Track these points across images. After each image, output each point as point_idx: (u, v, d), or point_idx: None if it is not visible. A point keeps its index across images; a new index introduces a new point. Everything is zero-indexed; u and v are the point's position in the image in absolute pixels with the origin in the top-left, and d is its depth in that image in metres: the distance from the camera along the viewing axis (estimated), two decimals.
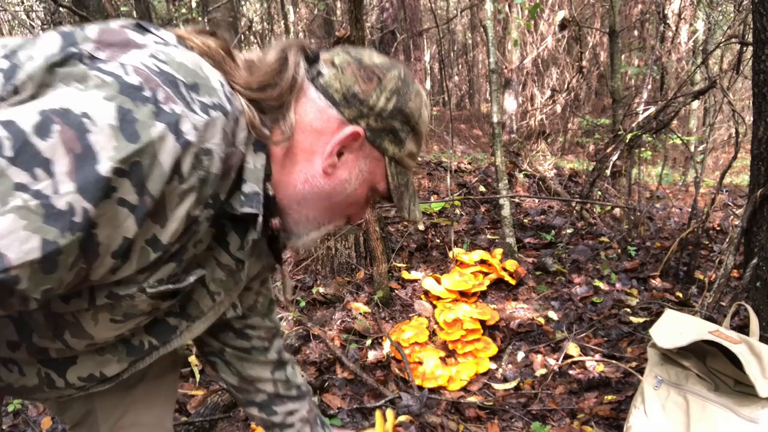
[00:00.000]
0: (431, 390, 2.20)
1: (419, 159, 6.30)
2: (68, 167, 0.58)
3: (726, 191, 5.48)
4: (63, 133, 0.58)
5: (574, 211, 4.11)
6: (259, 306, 1.14)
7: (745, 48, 3.00)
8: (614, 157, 3.95)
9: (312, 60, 0.85)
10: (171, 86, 0.66)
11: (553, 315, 2.80)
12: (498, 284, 3.05)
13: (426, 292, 2.88)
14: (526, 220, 4.18)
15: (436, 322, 2.63)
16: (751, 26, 2.06)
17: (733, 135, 2.92)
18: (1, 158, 0.56)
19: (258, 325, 1.16)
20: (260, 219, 0.79)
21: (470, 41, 14.55)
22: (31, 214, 0.56)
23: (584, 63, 7.10)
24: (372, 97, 0.83)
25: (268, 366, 1.21)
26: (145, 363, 0.94)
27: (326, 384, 2.20)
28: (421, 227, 3.63)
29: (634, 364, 2.26)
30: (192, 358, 2.26)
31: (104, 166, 0.59)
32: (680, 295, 2.83)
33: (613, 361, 2.33)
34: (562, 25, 5.37)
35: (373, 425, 1.96)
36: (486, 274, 3.02)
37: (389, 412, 0.77)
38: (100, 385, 0.94)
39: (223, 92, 0.72)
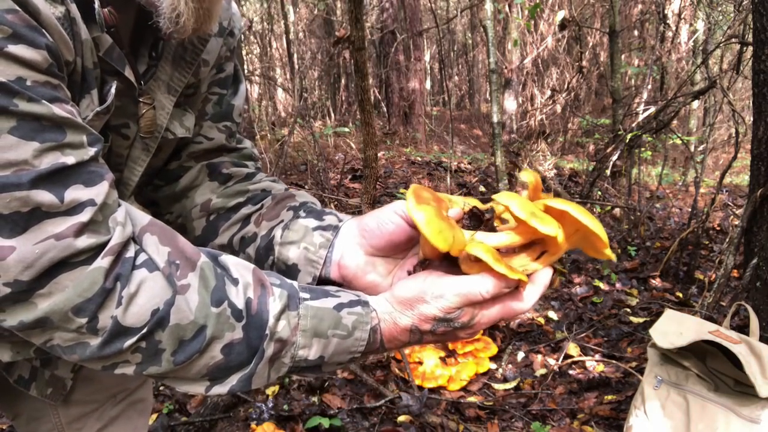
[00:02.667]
0: (431, 390, 2.20)
1: (419, 159, 6.26)
2: None
3: (726, 191, 5.47)
4: None
5: None
6: (210, 107, 0.94)
7: (745, 48, 3.00)
8: (614, 157, 3.95)
9: None
10: None
11: (553, 315, 2.80)
12: None
13: None
14: None
15: None
16: (751, 26, 2.06)
17: (733, 135, 2.92)
18: None
19: (212, 135, 0.95)
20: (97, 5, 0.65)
21: (470, 41, 14.55)
22: None
23: (584, 63, 7.10)
24: None
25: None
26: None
27: (326, 384, 2.20)
28: None
29: (634, 364, 2.26)
30: None
31: None
32: (680, 295, 2.83)
33: (613, 361, 2.33)
34: (562, 25, 5.37)
35: (373, 425, 1.96)
36: None
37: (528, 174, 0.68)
38: None
39: None
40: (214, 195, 0.94)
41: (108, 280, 0.59)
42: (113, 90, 0.70)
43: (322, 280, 0.84)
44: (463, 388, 2.27)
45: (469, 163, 5.80)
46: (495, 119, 3.41)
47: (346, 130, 7.46)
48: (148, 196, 0.99)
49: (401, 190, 4.52)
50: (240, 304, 0.64)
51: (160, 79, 0.81)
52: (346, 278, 0.83)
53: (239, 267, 0.68)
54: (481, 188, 4.77)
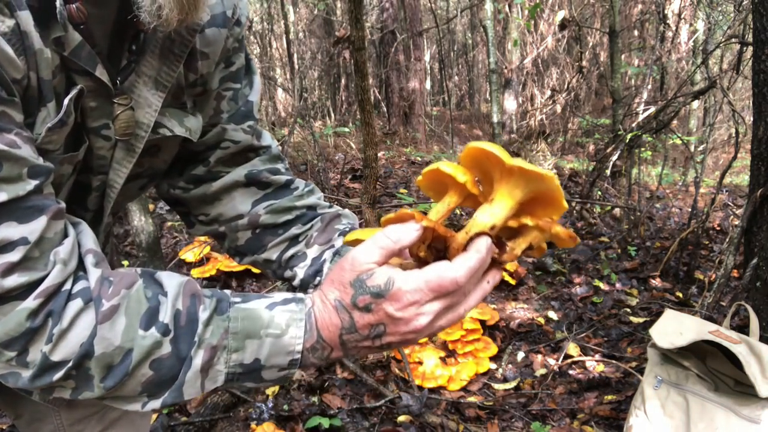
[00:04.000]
0: (431, 390, 2.20)
1: (419, 159, 6.27)
2: None
3: (726, 191, 5.47)
4: None
5: (574, 211, 4.11)
6: (225, 107, 0.91)
7: (745, 48, 3.00)
8: (614, 157, 3.95)
9: None
10: None
11: (553, 315, 2.80)
12: (498, 284, 3.05)
13: None
14: None
15: None
16: (751, 26, 2.06)
17: (733, 135, 2.92)
18: None
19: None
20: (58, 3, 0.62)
21: (470, 41, 14.55)
22: None
23: (584, 63, 7.10)
24: None
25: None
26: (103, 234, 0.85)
27: (326, 384, 2.20)
28: None
29: (634, 364, 2.26)
30: None
31: None
32: (680, 295, 2.83)
33: (613, 361, 2.33)
34: (562, 25, 5.37)
35: (373, 425, 1.96)
36: None
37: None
38: None
39: None
40: (261, 208, 0.93)
41: (37, 319, 0.58)
42: (68, 99, 0.67)
43: None
44: (463, 388, 2.27)
45: None
46: (495, 119, 3.41)
47: (346, 130, 7.46)
48: (173, 195, 0.96)
49: (401, 190, 4.53)
50: (167, 318, 0.63)
51: (145, 75, 0.76)
52: None
53: (172, 279, 0.67)
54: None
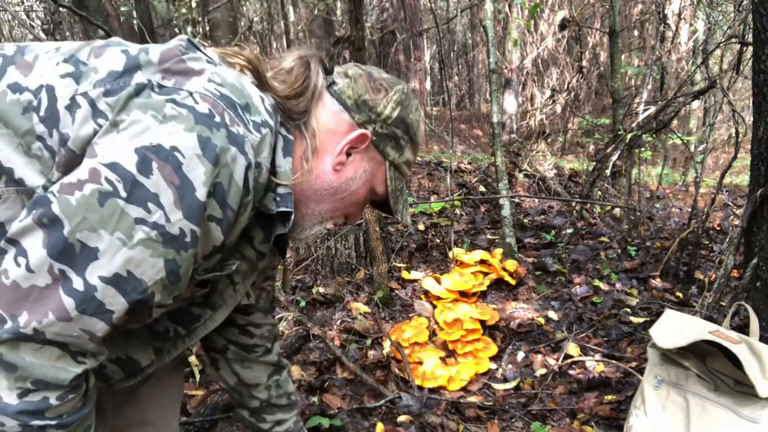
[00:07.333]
0: (431, 390, 2.20)
1: (419, 159, 6.30)
2: (173, 198, 0.71)
3: (726, 191, 5.47)
4: (161, 168, 0.71)
5: (574, 211, 4.11)
6: (262, 302, 1.19)
7: (745, 48, 3.00)
8: (614, 157, 3.95)
9: (328, 71, 0.96)
10: (232, 109, 0.77)
11: (553, 315, 2.80)
12: (498, 284, 3.05)
13: (426, 292, 2.87)
14: (526, 220, 4.18)
15: (436, 322, 2.63)
16: (751, 26, 2.06)
17: (733, 135, 2.92)
18: (119, 199, 0.69)
19: (260, 322, 1.21)
20: (293, 217, 0.89)
21: (470, 41, 14.54)
22: (153, 243, 0.71)
23: (584, 63, 7.10)
24: (380, 106, 0.94)
25: (268, 369, 1.25)
26: (170, 354, 0.99)
27: (326, 384, 2.20)
28: (421, 227, 3.63)
29: (634, 364, 2.26)
30: (192, 359, 2.26)
31: (200, 192, 0.72)
32: (680, 295, 2.83)
33: (613, 361, 2.33)
34: (562, 25, 5.37)
35: (373, 425, 1.96)
36: (486, 274, 3.02)
37: None
38: (125, 381, 0.97)
39: (265, 108, 0.83)
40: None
41: None
42: None
43: None
44: (463, 388, 2.27)
45: (469, 163, 5.79)
46: (495, 119, 3.41)
47: None
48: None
49: None
50: None
51: None
52: None
53: None
54: (481, 188, 4.77)
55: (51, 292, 0.68)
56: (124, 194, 0.69)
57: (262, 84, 0.87)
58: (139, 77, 0.77)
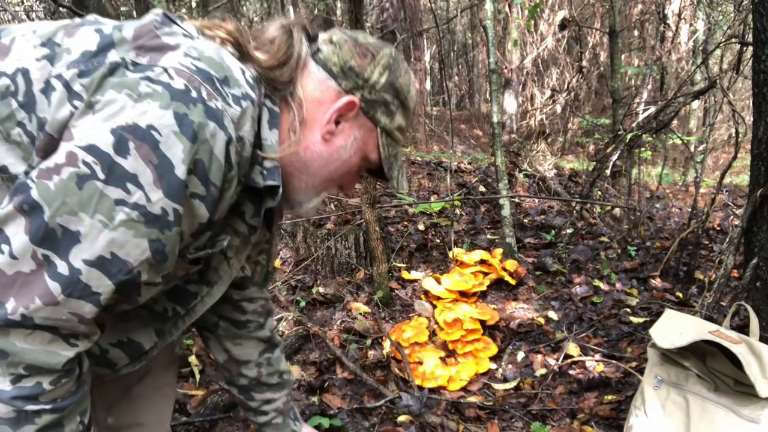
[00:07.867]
0: (431, 390, 2.20)
1: (419, 159, 6.29)
2: (152, 177, 0.70)
3: (726, 191, 5.47)
4: (138, 148, 0.69)
5: (574, 211, 4.11)
6: (257, 276, 1.18)
7: (745, 48, 3.00)
8: (614, 157, 3.94)
9: (311, 38, 0.94)
10: (209, 83, 0.75)
11: (553, 315, 2.79)
12: (498, 284, 3.05)
13: (426, 292, 2.87)
14: (526, 220, 4.18)
15: (436, 322, 2.63)
16: (751, 26, 2.06)
17: (733, 135, 2.92)
18: (97, 181, 0.69)
19: (255, 296, 1.20)
20: (280, 190, 0.87)
21: (470, 41, 14.54)
22: (135, 224, 0.70)
23: (584, 63, 7.10)
24: (366, 71, 0.91)
25: (259, 345, 1.23)
26: (172, 335, 0.98)
27: (326, 384, 2.20)
28: (421, 227, 3.63)
29: (634, 364, 2.26)
30: (192, 359, 2.26)
31: (180, 170, 0.71)
32: (680, 295, 2.82)
33: (613, 361, 2.33)
34: (562, 25, 5.37)
35: (373, 425, 1.96)
36: (486, 274, 3.02)
37: None
38: (130, 365, 0.98)
39: (246, 81, 0.81)
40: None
41: None
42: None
43: None
44: (463, 388, 2.26)
45: (469, 163, 5.79)
46: (495, 119, 3.41)
47: None
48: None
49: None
50: None
51: None
52: None
53: None
54: (481, 188, 4.77)
55: (36, 278, 0.69)
56: (102, 176, 0.68)
57: (243, 55, 0.85)
58: (113, 56, 0.75)
